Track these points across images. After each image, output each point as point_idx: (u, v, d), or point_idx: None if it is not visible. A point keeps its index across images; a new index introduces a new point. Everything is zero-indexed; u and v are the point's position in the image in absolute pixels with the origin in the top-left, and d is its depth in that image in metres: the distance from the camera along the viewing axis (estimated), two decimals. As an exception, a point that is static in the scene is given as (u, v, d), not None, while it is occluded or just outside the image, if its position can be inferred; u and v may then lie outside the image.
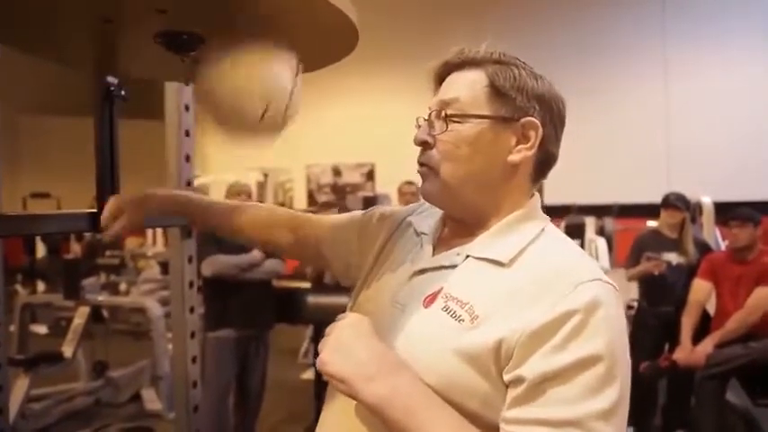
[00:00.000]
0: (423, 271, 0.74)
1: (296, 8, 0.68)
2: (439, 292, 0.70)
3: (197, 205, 1.08)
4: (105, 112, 0.96)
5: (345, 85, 7.34)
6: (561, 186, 5.28)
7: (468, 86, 0.72)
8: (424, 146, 0.74)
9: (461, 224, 0.76)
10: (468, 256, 0.71)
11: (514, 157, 0.72)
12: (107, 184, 0.99)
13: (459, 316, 0.66)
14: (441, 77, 0.77)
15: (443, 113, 0.72)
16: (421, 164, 0.75)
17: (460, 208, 0.75)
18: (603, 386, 0.60)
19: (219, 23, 0.71)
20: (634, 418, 3.19)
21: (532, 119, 0.71)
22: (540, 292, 0.63)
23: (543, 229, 0.73)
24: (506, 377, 0.62)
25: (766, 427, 2.67)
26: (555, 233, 0.74)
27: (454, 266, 0.71)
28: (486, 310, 0.65)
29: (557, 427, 0.58)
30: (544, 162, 0.75)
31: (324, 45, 0.77)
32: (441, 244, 0.78)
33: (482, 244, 0.72)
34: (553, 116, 0.73)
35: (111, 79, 0.95)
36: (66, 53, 0.91)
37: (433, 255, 0.76)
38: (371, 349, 0.66)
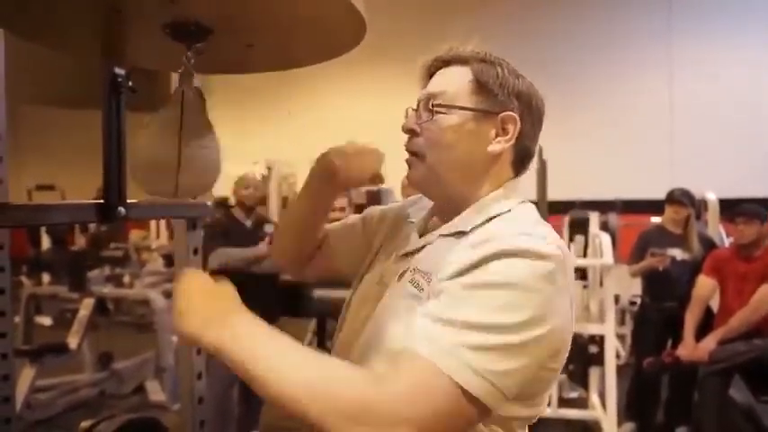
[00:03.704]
0: (406, 254, 0.82)
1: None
2: (409, 267, 0.78)
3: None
4: (113, 103, 0.95)
5: (350, 80, 7.33)
6: (565, 182, 5.28)
7: (454, 81, 0.79)
8: (411, 134, 0.81)
9: (446, 212, 0.82)
10: (439, 235, 0.78)
11: (494, 148, 0.78)
12: (114, 175, 1.00)
13: (421, 285, 0.73)
14: (430, 72, 0.83)
15: (430, 104, 0.78)
16: (409, 151, 0.82)
17: (443, 193, 0.81)
18: (497, 308, 0.63)
19: (228, 14, 0.71)
20: (636, 413, 3.19)
21: (512, 113, 0.77)
22: (477, 245, 0.68)
23: (510, 210, 0.77)
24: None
25: (769, 424, 2.66)
26: (522, 211, 0.78)
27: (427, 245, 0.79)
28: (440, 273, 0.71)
29: (439, 322, 0.63)
30: (522, 155, 0.81)
31: (332, 36, 0.77)
32: (428, 231, 0.84)
33: (452, 223, 0.78)
34: (531, 112, 0.79)
35: (118, 70, 0.95)
36: (73, 42, 0.90)
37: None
38: (207, 300, 0.69)
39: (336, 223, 1.04)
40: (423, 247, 0.79)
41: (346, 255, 0.99)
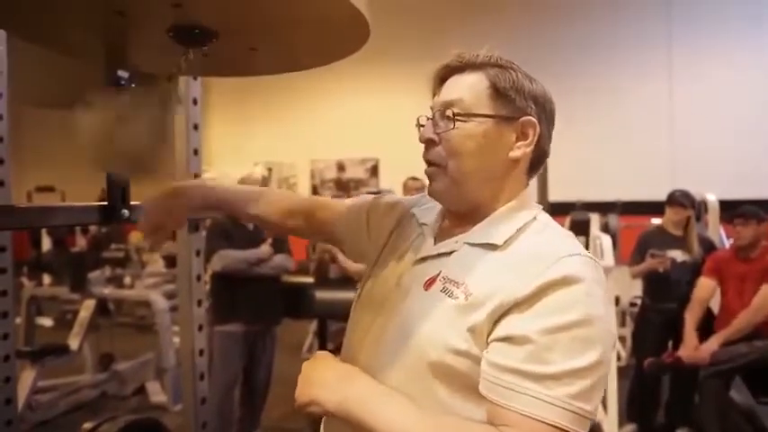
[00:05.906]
0: (424, 259, 0.81)
1: (309, 2, 0.68)
2: (438, 275, 0.77)
3: (227, 196, 1.07)
4: (116, 105, 0.96)
5: (350, 82, 7.34)
6: (566, 183, 5.29)
7: (470, 88, 0.78)
8: (430, 144, 0.79)
9: (461, 216, 0.82)
10: (464, 244, 0.78)
11: (515, 153, 0.78)
12: (117, 178, 1.00)
13: (455, 294, 0.72)
14: (442, 79, 0.82)
15: (449, 113, 0.77)
16: (428, 162, 0.80)
17: (465, 201, 0.80)
18: (581, 349, 0.66)
19: (232, 17, 0.71)
20: (637, 415, 3.19)
21: (531, 118, 0.77)
22: (525, 267, 0.69)
23: (535, 217, 0.78)
24: (492, 337, 0.69)
25: (769, 425, 2.67)
26: (545, 220, 0.80)
27: (452, 253, 0.78)
28: (480, 287, 0.71)
29: (537, 380, 0.65)
30: (538, 158, 0.82)
31: (335, 39, 0.77)
32: (441, 234, 0.84)
33: (478, 231, 0.78)
34: (547, 115, 0.80)
35: (121, 73, 0.96)
36: (77, 45, 0.91)
37: (434, 244, 0.82)
38: (328, 370, 0.76)
39: (351, 201, 1.06)
40: (446, 253, 0.79)
41: (348, 236, 1.02)
